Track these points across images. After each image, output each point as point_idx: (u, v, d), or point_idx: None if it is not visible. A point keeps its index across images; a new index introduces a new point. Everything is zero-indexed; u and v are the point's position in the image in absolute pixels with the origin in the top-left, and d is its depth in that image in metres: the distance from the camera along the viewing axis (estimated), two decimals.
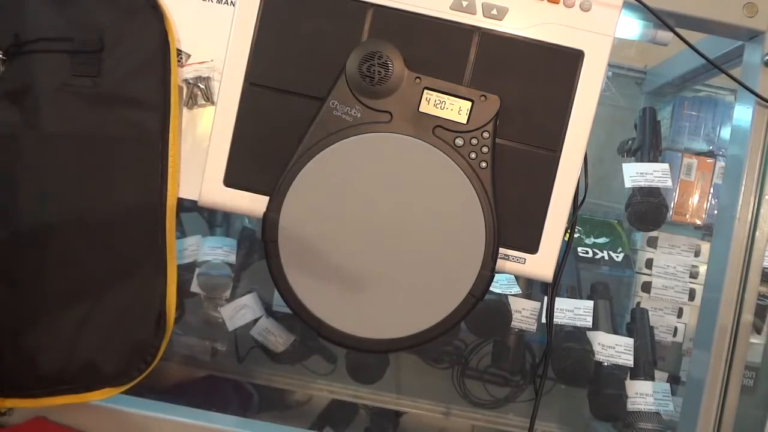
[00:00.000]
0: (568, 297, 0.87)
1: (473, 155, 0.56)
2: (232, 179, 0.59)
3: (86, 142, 0.63)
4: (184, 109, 0.67)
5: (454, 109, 0.56)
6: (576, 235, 0.98)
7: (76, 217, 0.63)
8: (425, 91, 0.56)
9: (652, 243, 0.96)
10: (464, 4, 0.57)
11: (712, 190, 0.95)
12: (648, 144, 0.91)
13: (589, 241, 0.99)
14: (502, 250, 0.57)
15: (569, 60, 0.58)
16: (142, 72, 0.64)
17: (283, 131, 0.58)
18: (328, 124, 0.55)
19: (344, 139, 0.55)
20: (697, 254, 0.96)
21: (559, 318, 0.84)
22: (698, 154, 0.97)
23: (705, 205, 0.95)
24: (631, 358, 0.84)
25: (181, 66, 0.66)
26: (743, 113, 0.70)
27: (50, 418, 0.68)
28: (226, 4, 0.67)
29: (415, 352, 0.97)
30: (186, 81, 0.67)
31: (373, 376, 0.92)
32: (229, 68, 0.59)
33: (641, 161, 0.90)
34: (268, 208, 0.55)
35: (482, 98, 0.56)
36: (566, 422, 1.00)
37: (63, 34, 0.63)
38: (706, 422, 0.68)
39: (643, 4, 0.63)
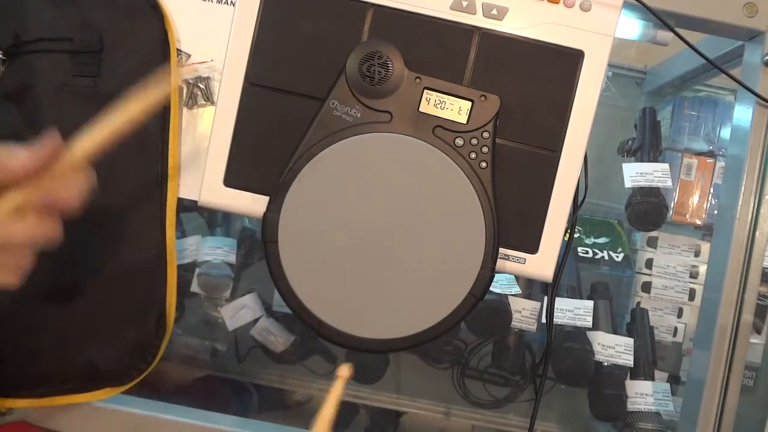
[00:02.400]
0: (568, 297, 0.87)
1: (473, 155, 0.56)
2: (232, 179, 0.59)
3: None
4: (184, 109, 0.67)
5: (454, 109, 0.56)
6: (576, 235, 0.98)
7: (76, 217, 0.63)
8: (425, 91, 0.56)
9: (652, 243, 0.96)
10: (464, 4, 0.57)
11: (712, 190, 0.95)
12: (648, 144, 0.91)
13: (589, 241, 0.99)
14: (502, 250, 0.57)
15: (569, 60, 0.58)
16: (142, 72, 0.63)
17: (283, 131, 0.58)
18: (328, 124, 0.55)
19: (344, 139, 0.55)
20: (697, 254, 0.96)
21: (559, 318, 0.84)
22: (698, 154, 0.97)
23: (705, 205, 0.95)
24: (631, 358, 0.84)
25: (181, 66, 0.66)
26: (743, 113, 0.70)
27: (44, 418, 0.68)
28: (226, 4, 0.67)
29: (415, 352, 0.97)
30: (186, 81, 0.67)
31: (373, 376, 0.92)
32: (229, 68, 0.59)
33: (641, 161, 0.90)
34: (268, 208, 0.55)
35: (482, 98, 0.56)
36: (566, 422, 1.00)
37: (63, 34, 0.63)
38: (706, 422, 0.68)
39: (643, 4, 0.63)
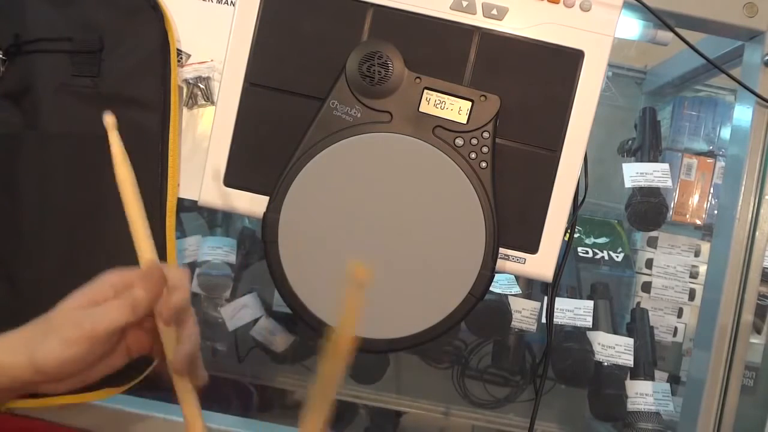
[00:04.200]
0: (568, 297, 0.87)
1: (473, 155, 0.56)
2: (232, 179, 0.59)
3: (86, 141, 0.63)
4: (184, 109, 0.67)
5: (454, 109, 0.56)
6: (576, 235, 0.98)
7: (76, 217, 0.63)
8: (425, 91, 0.56)
9: (652, 243, 0.96)
10: (464, 4, 0.57)
11: (712, 190, 0.95)
12: (648, 144, 0.91)
13: (589, 241, 0.99)
14: (502, 250, 0.57)
15: (569, 60, 0.58)
16: (142, 72, 0.64)
17: (283, 131, 0.58)
18: (328, 124, 0.55)
19: (344, 139, 0.55)
20: (697, 254, 0.96)
21: (559, 318, 0.84)
22: (698, 154, 0.97)
23: (705, 205, 0.95)
24: (631, 358, 0.84)
25: (181, 66, 0.66)
26: (743, 113, 0.70)
27: (27, 416, 0.67)
28: (226, 4, 0.67)
29: (415, 352, 0.96)
30: (186, 81, 0.67)
31: (373, 376, 0.92)
32: (229, 68, 0.59)
33: (641, 161, 0.90)
34: (268, 208, 0.55)
35: (482, 98, 0.56)
36: (566, 422, 1.00)
37: (63, 34, 0.63)
38: (706, 422, 0.68)
39: (643, 4, 0.63)
